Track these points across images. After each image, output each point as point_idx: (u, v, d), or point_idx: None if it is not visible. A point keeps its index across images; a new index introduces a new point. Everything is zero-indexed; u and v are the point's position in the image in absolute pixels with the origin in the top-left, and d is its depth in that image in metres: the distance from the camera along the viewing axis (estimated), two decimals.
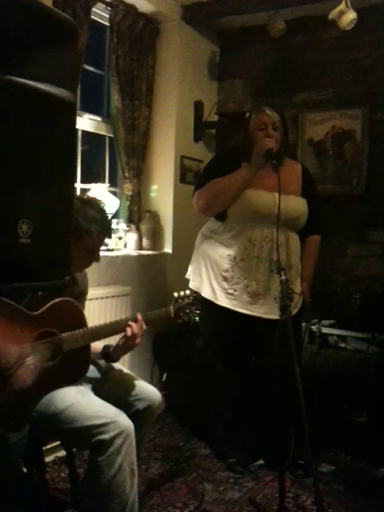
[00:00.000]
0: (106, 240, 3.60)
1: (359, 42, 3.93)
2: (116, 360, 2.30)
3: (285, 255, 2.81)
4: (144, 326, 2.20)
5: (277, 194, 2.66)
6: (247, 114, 2.95)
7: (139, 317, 2.20)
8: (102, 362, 2.34)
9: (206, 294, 2.90)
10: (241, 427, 3.06)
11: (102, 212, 2.22)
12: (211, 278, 2.90)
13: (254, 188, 2.80)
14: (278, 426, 2.43)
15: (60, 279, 1.31)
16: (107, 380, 2.30)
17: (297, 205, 2.86)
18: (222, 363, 3.03)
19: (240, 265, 2.82)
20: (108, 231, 2.26)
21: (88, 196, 2.36)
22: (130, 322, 2.18)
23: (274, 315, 2.76)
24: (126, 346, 2.21)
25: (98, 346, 2.29)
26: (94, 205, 2.20)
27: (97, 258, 2.26)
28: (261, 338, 2.82)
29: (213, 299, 2.88)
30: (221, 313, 2.87)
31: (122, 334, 2.20)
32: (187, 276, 3.09)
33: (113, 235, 3.69)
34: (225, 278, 2.85)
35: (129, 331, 2.16)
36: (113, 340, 2.26)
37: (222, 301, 2.85)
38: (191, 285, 3.02)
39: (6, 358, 1.78)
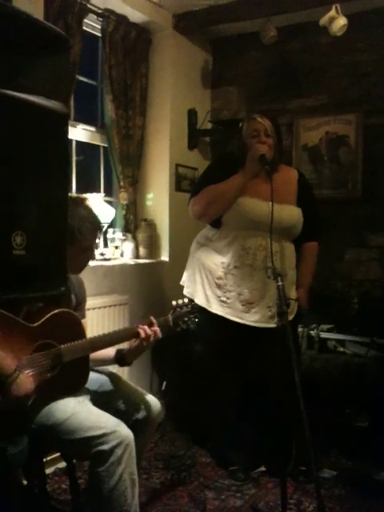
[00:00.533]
0: (103, 249, 3.60)
1: (354, 47, 3.94)
2: (130, 363, 2.32)
3: (279, 264, 2.81)
4: (158, 332, 2.23)
5: (271, 203, 2.69)
6: (240, 124, 2.97)
7: (154, 320, 2.24)
8: (101, 374, 2.34)
9: (200, 300, 2.90)
10: (242, 433, 3.05)
11: (89, 209, 2.22)
12: (205, 285, 2.91)
13: (250, 196, 2.82)
14: (279, 431, 2.42)
15: (56, 290, 1.31)
16: (106, 390, 2.29)
17: (291, 214, 2.87)
18: (220, 369, 3.03)
19: (234, 272, 2.82)
20: (99, 227, 2.25)
21: (72, 196, 2.37)
22: (141, 326, 2.21)
23: (267, 324, 2.78)
24: (138, 349, 2.24)
25: (109, 351, 2.30)
26: (80, 203, 2.21)
27: (92, 256, 2.26)
28: (254, 345, 2.82)
29: (206, 306, 2.88)
30: (215, 319, 2.88)
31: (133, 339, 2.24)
32: (182, 282, 3.10)
33: (109, 244, 3.69)
34: (218, 286, 2.86)
35: (142, 333, 2.19)
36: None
37: (216, 308, 2.86)
38: (185, 291, 3.03)
39: (6, 367, 1.78)
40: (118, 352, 2.29)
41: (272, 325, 2.78)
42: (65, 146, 1.31)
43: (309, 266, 3.02)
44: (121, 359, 2.29)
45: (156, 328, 2.23)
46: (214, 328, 2.92)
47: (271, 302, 2.75)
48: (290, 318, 2.82)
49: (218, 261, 2.87)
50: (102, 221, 2.41)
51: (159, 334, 2.24)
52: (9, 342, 1.82)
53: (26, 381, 1.83)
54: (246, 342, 2.86)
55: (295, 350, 2.78)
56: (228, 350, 2.94)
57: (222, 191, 2.82)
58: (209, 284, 2.90)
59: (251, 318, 2.81)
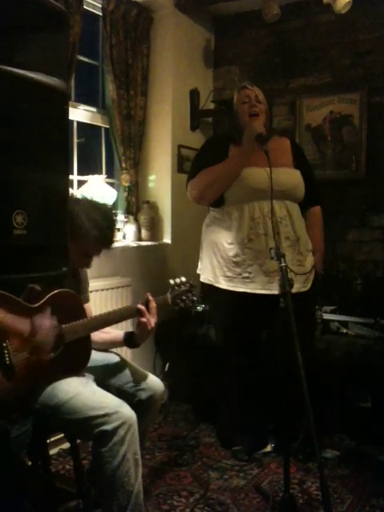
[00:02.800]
0: None
1: (356, 26, 3.90)
2: (138, 345, 2.31)
3: (290, 227, 2.82)
4: (154, 304, 2.22)
5: (269, 169, 2.70)
6: (233, 96, 2.96)
7: (150, 298, 2.23)
8: (105, 355, 2.34)
9: (221, 284, 2.88)
10: (248, 414, 3.05)
11: (109, 220, 2.20)
12: (223, 267, 2.88)
13: (246, 166, 2.81)
14: (285, 409, 2.40)
15: (57, 270, 1.31)
16: (110, 370, 2.30)
17: (290, 176, 2.87)
18: (235, 351, 3.02)
19: (249, 246, 2.80)
20: (107, 241, 2.22)
21: (103, 203, 2.35)
22: (141, 308, 2.19)
23: (294, 289, 2.72)
24: (144, 331, 2.22)
25: (118, 333, 2.31)
26: (104, 211, 2.21)
27: (88, 263, 2.24)
28: (277, 316, 2.77)
29: (229, 287, 2.85)
30: (235, 300, 2.85)
31: (137, 322, 2.23)
32: (198, 271, 3.07)
33: None
34: (237, 263, 2.83)
35: (143, 318, 2.18)
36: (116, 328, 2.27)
37: (240, 287, 2.83)
38: (202, 278, 2.99)
39: (18, 325, 1.81)
40: (127, 334, 2.30)
41: (301, 290, 2.80)
42: (65, 125, 1.29)
43: (318, 230, 3.04)
44: (129, 341, 2.29)
45: (154, 304, 2.23)
46: (238, 308, 2.88)
47: (292, 266, 2.68)
48: (309, 285, 2.86)
49: (230, 238, 2.85)
50: (114, 239, 2.34)
51: (154, 305, 2.23)
52: None
53: (43, 322, 1.87)
54: (268, 314, 2.82)
55: (312, 323, 2.76)
56: (249, 329, 2.93)
57: (221, 172, 2.81)
58: (226, 265, 2.87)
59: (278, 287, 2.77)
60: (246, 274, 2.82)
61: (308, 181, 2.95)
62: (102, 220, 2.15)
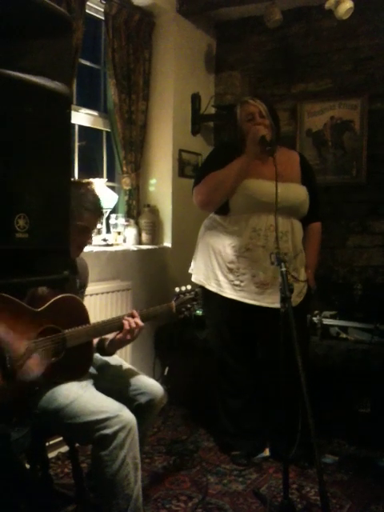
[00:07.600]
0: (106, 235, 3.59)
1: (357, 32, 3.91)
2: (111, 354, 2.29)
3: (290, 243, 2.83)
4: (140, 323, 2.19)
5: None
6: (236, 108, 2.95)
7: (135, 313, 2.21)
8: (105, 359, 2.34)
9: (212, 287, 2.90)
10: (247, 418, 3.05)
11: (92, 192, 2.20)
12: (216, 270, 2.90)
13: (254, 178, 2.82)
14: (285, 414, 2.40)
15: (59, 274, 1.30)
16: (109, 375, 2.30)
17: (297, 192, 2.87)
18: (231, 355, 3.03)
19: (246, 255, 2.81)
20: (98, 210, 2.21)
21: (76, 180, 2.34)
22: (125, 317, 2.18)
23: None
24: (121, 341, 2.20)
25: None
26: (83, 186, 2.21)
27: (89, 238, 2.21)
28: (268, 327, 2.80)
29: (219, 292, 2.88)
30: (228, 305, 2.87)
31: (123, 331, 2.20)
32: (190, 270, 3.08)
33: (112, 230, 3.67)
34: (230, 270, 2.85)
35: (126, 325, 2.16)
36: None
37: (229, 293, 2.85)
38: (194, 278, 3.01)
39: (15, 351, 1.78)
40: (100, 342, 2.25)
41: (293, 303, 2.78)
42: (68, 129, 1.29)
43: (314, 246, 3.04)
44: (101, 349, 2.25)
45: (138, 320, 2.19)
46: (226, 313, 2.92)
47: None
48: (300, 300, 2.84)
49: (228, 244, 2.86)
50: (104, 206, 2.36)
51: (140, 324, 2.20)
52: (14, 327, 1.82)
53: (33, 366, 1.84)
54: (258, 324, 2.87)
55: (304, 333, 2.79)
56: (240, 334, 2.94)
57: (225, 176, 2.81)
58: (220, 269, 2.89)
59: (267, 300, 2.79)
60: (238, 282, 2.84)
61: (313, 198, 2.95)
62: (87, 193, 2.16)
